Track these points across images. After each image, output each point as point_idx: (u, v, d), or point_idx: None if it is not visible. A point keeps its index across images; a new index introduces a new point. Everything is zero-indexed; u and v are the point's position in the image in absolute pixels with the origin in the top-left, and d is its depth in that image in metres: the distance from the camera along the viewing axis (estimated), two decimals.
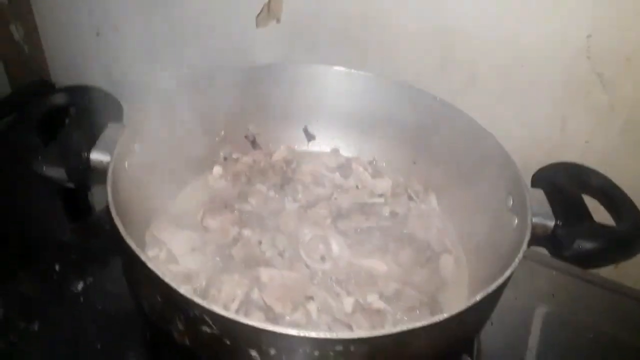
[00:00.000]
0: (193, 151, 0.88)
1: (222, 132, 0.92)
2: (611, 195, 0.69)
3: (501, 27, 0.93)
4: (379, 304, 0.71)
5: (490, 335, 0.76)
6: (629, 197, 0.69)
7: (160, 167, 0.82)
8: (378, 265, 0.76)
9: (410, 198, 0.90)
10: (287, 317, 0.69)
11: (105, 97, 0.81)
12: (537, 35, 0.91)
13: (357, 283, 0.75)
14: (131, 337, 0.75)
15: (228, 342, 0.55)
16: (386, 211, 0.87)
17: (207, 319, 0.54)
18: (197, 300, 0.53)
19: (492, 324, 0.77)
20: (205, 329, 0.55)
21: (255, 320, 0.49)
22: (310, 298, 0.72)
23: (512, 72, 0.96)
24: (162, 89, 0.84)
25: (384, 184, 0.91)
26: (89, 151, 0.71)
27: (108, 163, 0.69)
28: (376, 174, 0.94)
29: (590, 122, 0.96)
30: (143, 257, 0.55)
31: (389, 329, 0.50)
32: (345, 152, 0.99)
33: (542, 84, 0.95)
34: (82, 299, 0.78)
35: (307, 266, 0.76)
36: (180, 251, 0.75)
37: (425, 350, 0.56)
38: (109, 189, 0.64)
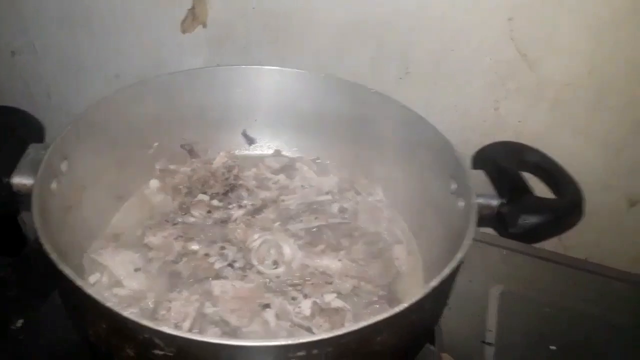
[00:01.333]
0: (126, 166, 0.83)
1: (156, 144, 0.87)
2: (549, 169, 0.71)
3: (428, 14, 0.94)
4: (337, 302, 0.70)
5: (449, 320, 0.76)
6: (565, 170, 0.72)
7: (92, 186, 0.77)
8: (332, 263, 0.74)
9: (357, 192, 0.89)
10: (245, 329, 0.67)
11: (24, 117, 0.74)
12: (462, 20, 0.92)
13: (313, 284, 0.73)
14: None
15: None
16: (335, 208, 0.86)
17: (157, 341, 0.50)
18: (145, 322, 0.49)
19: (450, 309, 0.77)
20: (158, 352, 0.51)
21: (209, 336, 0.45)
22: (267, 306, 0.70)
23: (443, 59, 0.98)
24: (87, 104, 0.79)
25: (330, 181, 0.90)
26: (9, 176, 0.66)
27: (32, 186, 0.63)
28: (321, 171, 0.93)
29: (521, 102, 0.99)
30: (79, 283, 0.51)
31: (348, 327, 0.49)
32: (288, 152, 0.97)
33: (473, 68, 0.97)
34: (23, 335, 0.73)
35: (260, 273, 0.73)
36: (123, 273, 0.71)
37: (389, 344, 0.55)
38: (34, 213, 0.59)
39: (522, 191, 0.68)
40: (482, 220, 0.68)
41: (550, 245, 1.04)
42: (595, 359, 0.74)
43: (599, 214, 1.04)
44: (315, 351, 0.50)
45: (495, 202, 0.68)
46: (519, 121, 1.01)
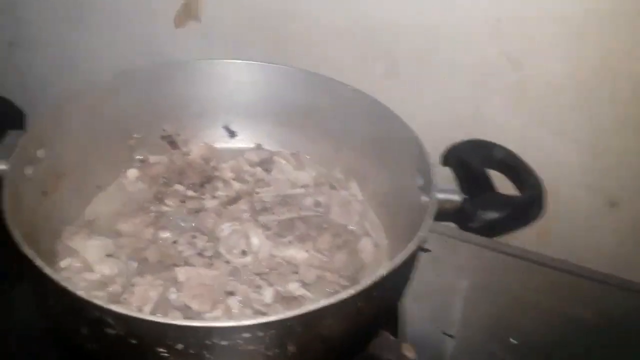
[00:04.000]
0: (106, 155, 0.85)
1: (136, 135, 0.90)
2: (513, 165, 0.72)
3: (417, 15, 0.95)
4: (299, 291, 0.72)
5: (414, 313, 0.77)
6: (528, 166, 0.72)
7: (70, 173, 0.80)
8: (298, 253, 0.76)
9: (332, 187, 0.91)
10: (207, 314, 0.68)
11: (3, 103, 0.77)
12: (448, 18, 0.93)
13: (278, 274, 0.74)
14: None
15: (134, 342, 0.53)
16: (309, 201, 0.87)
17: (108, 320, 0.52)
18: (96, 301, 0.51)
19: (415, 301, 0.78)
20: (110, 331, 0.53)
21: (147, 315, 0.47)
22: (231, 293, 0.71)
23: (427, 59, 0.99)
24: (70, 92, 0.81)
25: (305, 175, 0.92)
26: None
27: (4, 171, 0.66)
28: (299, 166, 0.95)
29: (503, 102, 1.00)
30: (30, 255, 0.53)
31: (289, 312, 0.50)
32: (269, 146, 0.98)
33: (456, 67, 0.98)
34: None
35: (228, 262, 0.75)
36: (95, 258, 0.73)
37: (338, 327, 0.56)
38: (4, 195, 0.61)
39: (483, 187, 0.69)
40: (445, 215, 0.69)
41: (529, 243, 1.05)
42: (554, 352, 0.74)
43: (578, 213, 1.05)
44: (260, 333, 0.52)
45: (456, 197, 0.69)
46: (500, 121, 1.01)
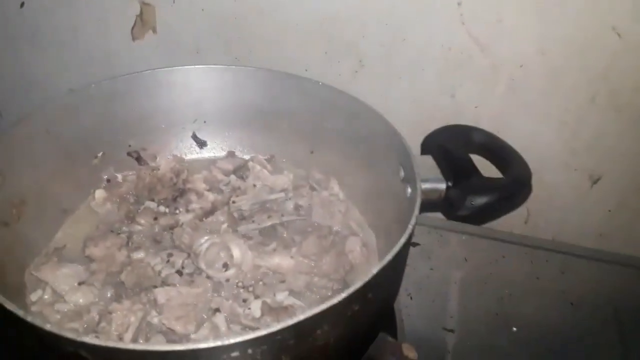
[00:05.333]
0: (70, 177, 0.80)
1: (100, 153, 0.85)
2: (495, 148, 0.70)
3: (378, 6, 0.93)
4: (289, 300, 0.68)
5: (410, 309, 0.75)
6: (512, 147, 0.70)
7: (33, 199, 0.75)
8: (283, 261, 0.72)
9: (312, 188, 0.87)
10: (192, 335, 0.64)
11: None
12: (410, 7, 0.91)
13: (265, 284, 0.71)
14: None
15: None
16: (290, 205, 0.84)
17: (84, 353, 0.48)
18: (68, 334, 0.47)
19: (411, 298, 0.76)
20: None
21: (128, 343, 0.43)
22: (217, 310, 0.67)
23: (395, 49, 0.97)
24: (26, 114, 0.76)
25: (284, 179, 0.88)
26: None
27: None
28: (276, 170, 0.91)
29: (477, 87, 0.98)
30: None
31: (279, 324, 0.46)
32: (242, 153, 0.95)
33: (425, 56, 0.96)
34: None
35: (209, 278, 0.71)
36: (65, 288, 0.68)
37: (333, 336, 0.53)
38: None
39: (469, 172, 0.66)
40: (430, 205, 0.66)
41: (516, 227, 1.04)
42: (555, 336, 0.72)
43: (562, 193, 1.04)
44: (250, 350, 0.48)
45: (441, 185, 0.67)
46: (476, 106, 1.00)
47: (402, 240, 0.56)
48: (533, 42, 0.91)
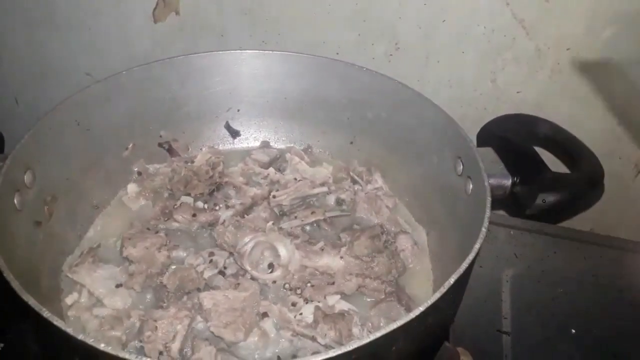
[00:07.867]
0: (100, 171, 0.76)
1: (131, 144, 0.80)
2: (562, 141, 0.65)
3: None
4: (341, 305, 0.64)
5: (462, 311, 0.70)
6: (581, 141, 0.65)
7: (64, 196, 0.70)
8: (333, 261, 0.68)
9: (354, 181, 0.83)
10: (242, 343, 0.60)
11: None
12: None
13: (314, 287, 0.66)
14: None
15: None
16: (331, 200, 0.79)
17: None
18: (110, 350, 0.43)
19: (462, 301, 0.71)
20: None
21: None
22: (265, 315, 0.63)
23: (434, 31, 0.91)
24: (52, 108, 0.71)
25: (324, 172, 0.84)
26: None
27: None
28: (314, 161, 0.86)
29: (520, 71, 0.93)
30: (45, 314, 0.44)
31: (359, 340, 0.42)
32: (277, 143, 0.90)
33: (466, 38, 0.91)
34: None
35: (255, 279, 0.66)
36: (103, 291, 0.64)
37: (405, 351, 0.49)
38: None
39: (537, 167, 0.61)
40: (494, 203, 0.61)
41: (564, 222, 0.99)
42: (618, 340, 0.68)
43: (605, 182, 0.99)
44: None
45: (507, 181, 0.62)
46: (518, 92, 0.95)
47: (477, 245, 0.52)
48: (582, 22, 0.86)
